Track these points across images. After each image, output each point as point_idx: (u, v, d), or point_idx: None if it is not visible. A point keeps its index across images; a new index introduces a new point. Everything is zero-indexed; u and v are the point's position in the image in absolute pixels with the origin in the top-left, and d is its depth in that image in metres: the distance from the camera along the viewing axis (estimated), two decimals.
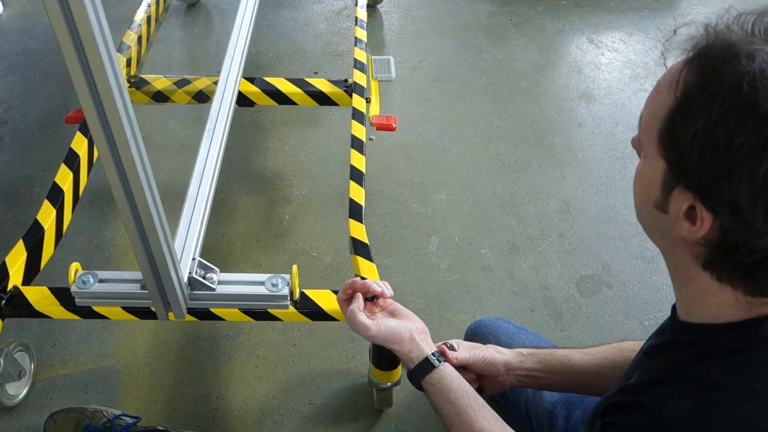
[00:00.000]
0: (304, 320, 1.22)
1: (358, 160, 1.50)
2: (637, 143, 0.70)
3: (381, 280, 1.03)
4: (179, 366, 1.49)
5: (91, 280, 1.13)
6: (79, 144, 1.53)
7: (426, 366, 0.89)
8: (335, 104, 1.80)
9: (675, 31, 2.59)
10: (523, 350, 1.01)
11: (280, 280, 1.16)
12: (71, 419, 1.29)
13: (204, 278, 1.14)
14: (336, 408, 1.43)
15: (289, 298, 1.17)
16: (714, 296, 0.65)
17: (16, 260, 1.27)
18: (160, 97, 1.79)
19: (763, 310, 0.63)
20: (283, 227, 1.80)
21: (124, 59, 1.77)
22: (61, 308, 1.21)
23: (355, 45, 1.90)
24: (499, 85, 2.31)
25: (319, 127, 2.11)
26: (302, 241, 1.76)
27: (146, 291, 1.08)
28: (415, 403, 1.43)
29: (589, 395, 1.03)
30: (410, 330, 0.92)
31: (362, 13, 2.05)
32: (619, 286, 1.69)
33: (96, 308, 1.19)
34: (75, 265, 1.14)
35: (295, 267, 1.17)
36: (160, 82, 1.79)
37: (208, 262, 1.17)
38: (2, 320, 1.22)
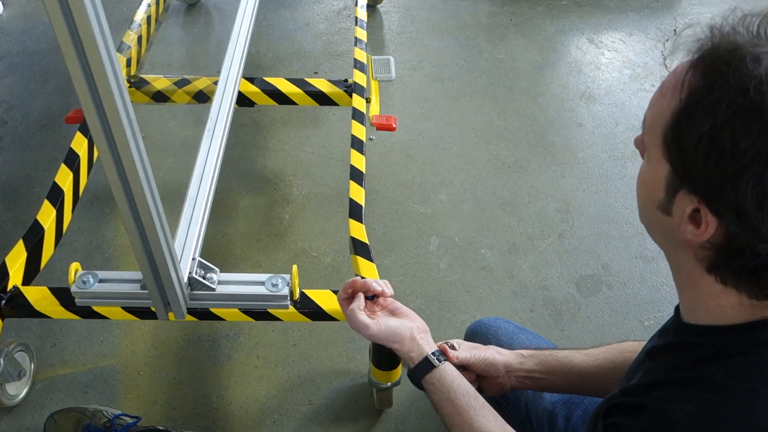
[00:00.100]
0: (304, 320, 1.22)
1: (358, 160, 1.50)
2: (640, 144, 0.69)
3: (381, 279, 1.03)
4: (179, 366, 1.49)
5: (91, 280, 1.13)
6: (79, 144, 1.53)
7: (426, 365, 0.89)
8: (335, 104, 1.80)
9: (675, 30, 2.59)
10: (523, 351, 1.01)
11: (280, 280, 1.16)
12: (71, 419, 1.29)
13: (204, 278, 1.14)
14: (336, 408, 1.43)
15: (289, 298, 1.17)
16: (718, 299, 0.64)
17: (16, 260, 1.27)
18: (160, 97, 1.79)
19: (767, 312, 0.63)
20: (283, 227, 1.80)
21: (124, 59, 1.77)
22: (61, 308, 1.20)
23: (355, 45, 1.90)
24: (499, 85, 2.31)
25: (319, 127, 2.11)
26: (302, 241, 1.76)
27: (146, 291, 1.08)
28: (415, 403, 1.43)
29: (589, 396, 1.03)
30: (411, 329, 0.92)
31: (362, 13, 2.05)
32: (619, 286, 1.69)
33: (96, 308, 1.19)
34: (75, 265, 1.14)
35: (295, 267, 1.17)
36: (160, 82, 1.79)
37: (208, 262, 1.17)
38: (2, 320, 1.22)
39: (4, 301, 1.21)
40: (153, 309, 1.12)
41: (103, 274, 1.14)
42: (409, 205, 1.87)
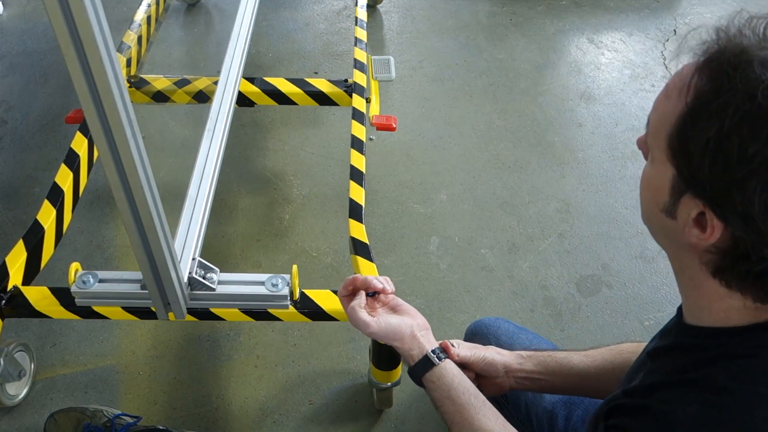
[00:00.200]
0: (304, 320, 1.22)
1: (358, 160, 1.50)
2: (643, 145, 0.69)
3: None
4: (179, 366, 1.49)
5: (91, 280, 1.13)
6: (79, 144, 1.53)
7: (426, 363, 0.89)
8: (335, 104, 1.80)
9: (675, 31, 2.59)
10: (522, 353, 1.01)
11: (280, 280, 1.16)
12: (72, 419, 1.29)
13: (204, 278, 1.14)
14: (336, 408, 1.43)
15: (289, 298, 1.17)
16: (722, 301, 0.64)
17: (16, 260, 1.27)
18: (160, 97, 1.79)
19: None
20: (283, 227, 1.80)
21: (124, 59, 1.77)
22: (61, 308, 1.20)
23: (355, 45, 1.90)
24: (499, 85, 2.31)
25: (319, 127, 2.11)
26: (302, 241, 1.76)
27: (146, 291, 1.08)
28: (415, 403, 1.43)
29: (588, 398, 1.02)
30: (411, 326, 0.91)
31: (362, 13, 2.05)
32: (619, 286, 1.69)
33: (96, 308, 1.19)
34: (75, 265, 1.14)
35: (295, 267, 1.17)
36: (160, 82, 1.79)
37: (208, 262, 1.17)
38: (2, 320, 1.22)
39: (4, 301, 1.21)
40: (153, 309, 1.12)
41: (103, 274, 1.14)
42: (409, 205, 1.87)
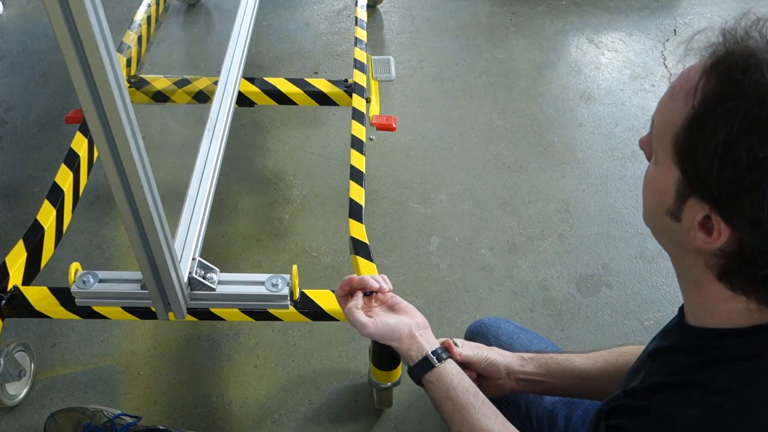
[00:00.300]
0: (304, 320, 1.22)
1: (358, 160, 1.50)
2: (646, 146, 0.68)
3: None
4: (179, 366, 1.49)
5: (91, 280, 1.13)
6: (79, 144, 1.53)
7: (425, 364, 0.88)
8: (335, 104, 1.80)
9: (675, 30, 2.59)
10: (524, 354, 1.00)
11: (280, 280, 1.16)
12: (72, 419, 1.29)
13: (204, 278, 1.14)
14: (336, 408, 1.43)
15: (289, 298, 1.17)
16: (725, 303, 0.64)
17: (16, 260, 1.27)
18: (160, 97, 1.79)
19: None
20: (283, 227, 1.80)
21: (124, 59, 1.77)
22: (61, 308, 1.20)
23: (355, 45, 1.90)
24: (499, 85, 2.31)
25: (319, 127, 2.11)
26: (302, 241, 1.76)
27: (146, 291, 1.08)
28: (415, 403, 1.43)
29: (590, 400, 1.02)
30: (409, 326, 0.91)
31: (362, 13, 2.05)
32: (619, 286, 1.69)
33: (96, 308, 1.19)
34: (75, 265, 1.14)
35: (295, 267, 1.17)
36: (160, 82, 1.79)
37: (208, 262, 1.17)
38: (2, 320, 1.22)
39: (4, 301, 1.21)
40: (153, 309, 1.12)
41: (103, 274, 1.14)
42: (409, 205, 1.87)
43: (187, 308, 1.14)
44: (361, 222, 1.37)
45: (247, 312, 1.21)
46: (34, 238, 1.32)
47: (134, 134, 0.84)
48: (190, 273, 1.13)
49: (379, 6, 2.66)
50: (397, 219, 1.84)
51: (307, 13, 2.64)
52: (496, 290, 1.67)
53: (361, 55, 1.86)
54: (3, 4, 2.60)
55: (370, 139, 2.06)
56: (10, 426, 1.37)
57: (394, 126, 1.73)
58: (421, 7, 2.68)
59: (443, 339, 0.95)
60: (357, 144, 1.55)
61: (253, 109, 1.97)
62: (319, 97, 1.78)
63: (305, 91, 1.78)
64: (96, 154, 1.58)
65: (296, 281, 1.17)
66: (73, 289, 1.12)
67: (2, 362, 1.29)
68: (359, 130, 1.59)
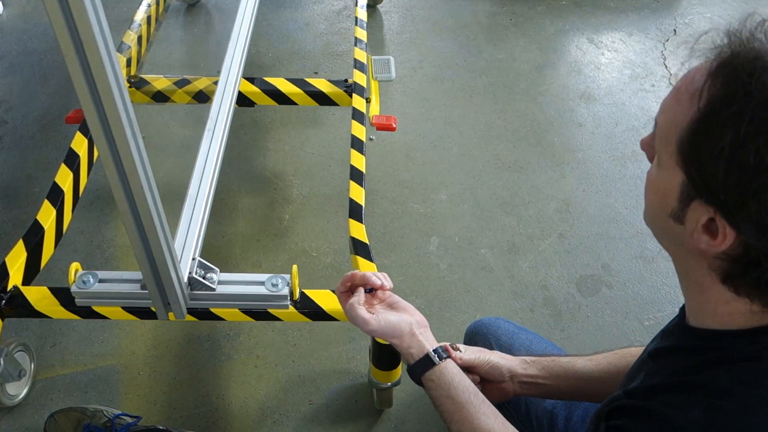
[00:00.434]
0: (304, 320, 1.22)
1: (358, 160, 1.50)
2: (648, 147, 0.68)
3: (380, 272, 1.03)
4: (179, 366, 1.49)
5: (91, 280, 1.13)
6: (79, 144, 1.53)
7: (426, 362, 0.88)
8: (335, 104, 1.80)
9: (675, 30, 2.59)
10: (526, 358, 1.00)
11: (280, 280, 1.16)
12: (72, 419, 1.29)
13: (204, 278, 1.14)
14: (336, 408, 1.43)
15: (289, 298, 1.17)
16: (727, 305, 0.64)
17: (16, 260, 1.27)
18: (160, 97, 1.79)
19: None
20: (283, 227, 1.80)
21: (124, 59, 1.77)
22: (61, 308, 1.21)
23: (355, 45, 1.90)
24: (499, 85, 2.31)
25: (319, 127, 2.11)
26: (302, 241, 1.76)
27: (146, 291, 1.08)
28: (415, 403, 1.43)
29: (593, 402, 1.02)
30: (410, 324, 0.91)
31: (362, 13, 2.05)
32: (619, 286, 1.69)
33: (96, 308, 1.19)
34: (75, 265, 1.14)
35: (295, 267, 1.17)
36: (160, 82, 1.79)
37: (208, 262, 1.17)
38: (2, 320, 1.22)
39: (4, 301, 1.21)
40: (153, 309, 1.12)
41: (103, 274, 1.14)
42: (409, 205, 1.87)
43: (187, 308, 1.14)
44: (361, 222, 1.37)
45: (247, 312, 1.21)
46: (34, 238, 1.32)
47: (134, 134, 0.84)
48: (190, 273, 1.13)
49: (379, 6, 2.66)
50: (397, 219, 1.84)
51: (307, 13, 2.64)
52: (496, 290, 1.67)
53: (361, 55, 1.86)
54: (3, 4, 2.60)
55: (370, 139, 2.06)
56: (10, 426, 1.37)
57: (394, 126, 1.73)
58: (421, 7, 2.68)
59: (443, 343, 0.95)
60: (357, 144, 1.55)
61: (253, 109, 1.97)
62: (319, 97, 1.78)
63: (305, 91, 1.78)
64: (96, 154, 1.58)
65: (296, 281, 1.17)
66: (73, 289, 1.12)
67: (2, 362, 1.29)
68: (359, 130, 1.59)
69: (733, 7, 2.74)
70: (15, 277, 1.25)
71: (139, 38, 1.87)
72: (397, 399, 1.42)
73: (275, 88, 1.77)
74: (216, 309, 1.20)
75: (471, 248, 1.77)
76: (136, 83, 1.78)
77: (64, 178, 1.45)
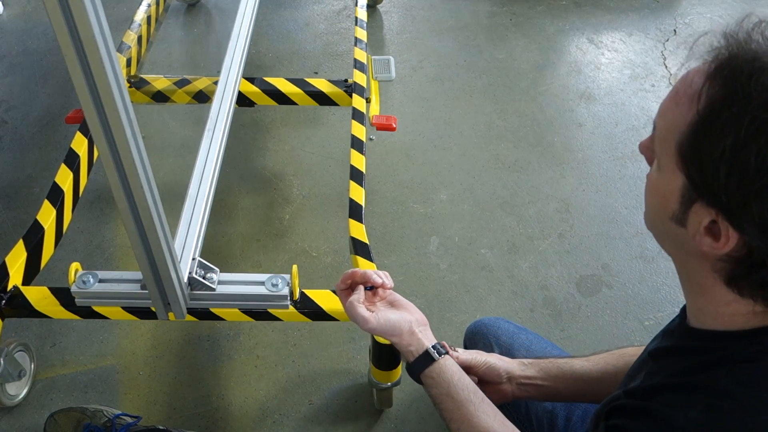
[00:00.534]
0: (304, 320, 1.22)
1: (358, 160, 1.50)
2: (647, 151, 0.68)
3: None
4: (179, 366, 1.49)
5: (91, 280, 1.13)
6: (79, 144, 1.53)
7: (426, 359, 0.88)
8: (335, 104, 1.80)
9: (675, 30, 2.59)
10: (524, 360, 1.00)
11: (280, 280, 1.16)
12: (72, 419, 1.29)
13: (204, 278, 1.14)
14: (336, 408, 1.43)
15: (289, 298, 1.17)
16: (728, 306, 0.64)
17: (16, 260, 1.27)
18: (160, 97, 1.79)
19: None
20: (283, 227, 1.80)
21: (124, 59, 1.77)
22: (61, 308, 1.21)
23: (355, 45, 1.90)
24: (499, 85, 2.31)
25: (319, 127, 2.11)
26: (302, 241, 1.76)
27: (146, 291, 1.08)
28: (416, 403, 1.43)
29: (592, 403, 1.02)
30: (410, 322, 0.91)
31: (362, 13, 2.05)
32: (619, 286, 1.69)
33: (96, 308, 1.19)
34: (75, 265, 1.14)
35: (295, 267, 1.17)
36: (160, 82, 1.79)
37: (208, 262, 1.17)
38: (2, 320, 1.22)
39: (4, 301, 1.21)
40: (153, 309, 1.12)
41: (103, 274, 1.14)
42: (409, 205, 1.87)
43: (187, 308, 1.14)
44: (361, 222, 1.37)
45: (247, 312, 1.21)
46: (34, 238, 1.32)
47: (134, 134, 0.84)
48: (190, 273, 1.13)
49: (379, 6, 2.66)
50: (397, 219, 1.84)
51: (307, 13, 2.64)
52: (496, 290, 1.67)
53: (361, 55, 1.86)
54: (3, 4, 2.60)
55: (370, 139, 2.06)
56: (10, 426, 1.37)
57: (394, 126, 1.73)
58: (421, 7, 2.68)
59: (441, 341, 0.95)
60: (357, 144, 1.55)
61: (253, 109, 1.97)
62: (319, 97, 1.78)
63: (305, 91, 1.78)
64: (96, 154, 1.58)
65: (296, 281, 1.17)
66: (73, 289, 1.12)
67: (2, 362, 1.29)
68: (359, 130, 1.59)
69: (733, 8, 2.74)
70: (15, 277, 1.25)
71: (139, 38, 1.87)
72: (397, 399, 1.42)
73: (275, 88, 1.77)
74: (216, 309, 1.20)
75: (471, 248, 1.77)
76: (136, 83, 1.78)
77: (64, 178, 1.45)
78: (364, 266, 1.27)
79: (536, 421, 1.07)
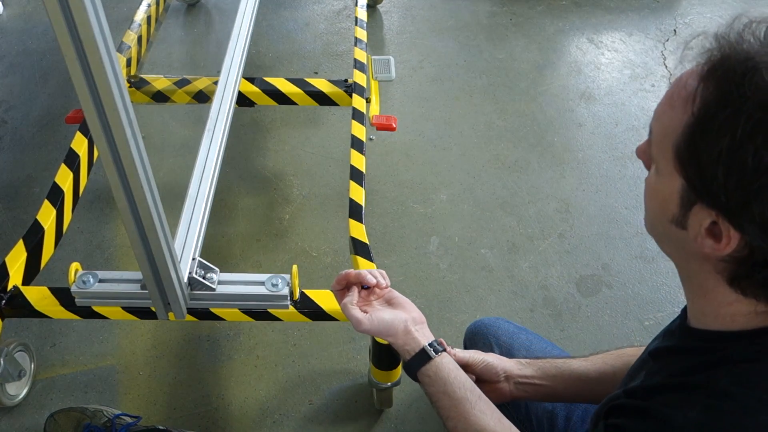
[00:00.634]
0: (304, 320, 1.22)
1: (358, 160, 1.50)
2: (644, 155, 0.68)
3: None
4: (179, 366, 1.49)
5: (91, 280, 1.13)
6: (79, 144, 1.53)
7: (422, 357, 0.88)
8: (335, 104, 1.80)
9: (675, 30, 2.59)
10: (522, 360, 1.00)
11: (280, 280, 1.16)
12: (72, 419, 1.29)
13: (204, 278, 1.14)
14: (336, 408, 1.43)
15: (289, 298, 1.17)
16: (729, 306, 0.63)
17: (16, 260, 1.27)
18: (160, 97, 1.79)
19: None
20: (283, 227, 1.80)
21: (124, 59, 1.77)
22: (61, 308, 1.21)
23: (355, 45, 1.90)
24: (499, 85, 2.31)
25: (319, 127, 2.11)
26: (302, 241, 1.76)
27: (146, 291, 1.08)
28: (415, 403, 1.43)
29: (591, 403, 1.02)
30: (405, 321, 0.90)
31: (362, 13, 2.05)
32: (619, 286, 1.69)
33: (96, 308, 1.19)
34: (75, 265, 1.14)
35: (295, 267, 1.17)
36: (160, 82, 1.79)
37: (208, 262, 1.17)
38: (2, 320, 1.22)
39: (4, 301, 1.21)
40: (153, 309, 1.12)
41: (103, 274, 1.14)
42: (409, 205, 1.87)
43: (187, 308, 1.14)
44: (361, 222, 1.37)
45: (247, 312, 1.21)
46: (34, 238, 1.32)
47: (134, 134, 0.84)
48: (190, 273, 1.13)
49: (379, 6, 2.66)
50: (397, 219, 1.84)
51: (307, 13, 2.64)
52: (496, 290, 1.67)
53: (361, 55, 1.86)
54: (3, 4, 2.60)
55: (370, 139, 2.06)
56: (10, 426, 1.37)
57: (394, 126, 1.73)
58: (421, 7, 2.68)
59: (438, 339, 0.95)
60: (357, 144, 1.55)
61: (253, 109, 1.97)
62: (319, 97, 1.78)
63: (305, 91, 1.78)
64: (96, 154, 1.58)
65: (296, 281, 1.17)
66: (73, 289, 1.12)
67: (2, 362, 1.29)
68: (359, 130, 1.59)
69: (733, 7, 2.74)
70: (15, 277, 1.25)
71: (139, 38, 1.87)
72: (397, 399, 1.42)
73: (275, 88, 1.77)
74: (216, 309, 1.20)
75: (471, 248, 1.77)
76: (136, 83, 1.78)
77: (64, 178, 1.45)
78: (364, 266, 1.27)
79: (536, 421, 1.07)
